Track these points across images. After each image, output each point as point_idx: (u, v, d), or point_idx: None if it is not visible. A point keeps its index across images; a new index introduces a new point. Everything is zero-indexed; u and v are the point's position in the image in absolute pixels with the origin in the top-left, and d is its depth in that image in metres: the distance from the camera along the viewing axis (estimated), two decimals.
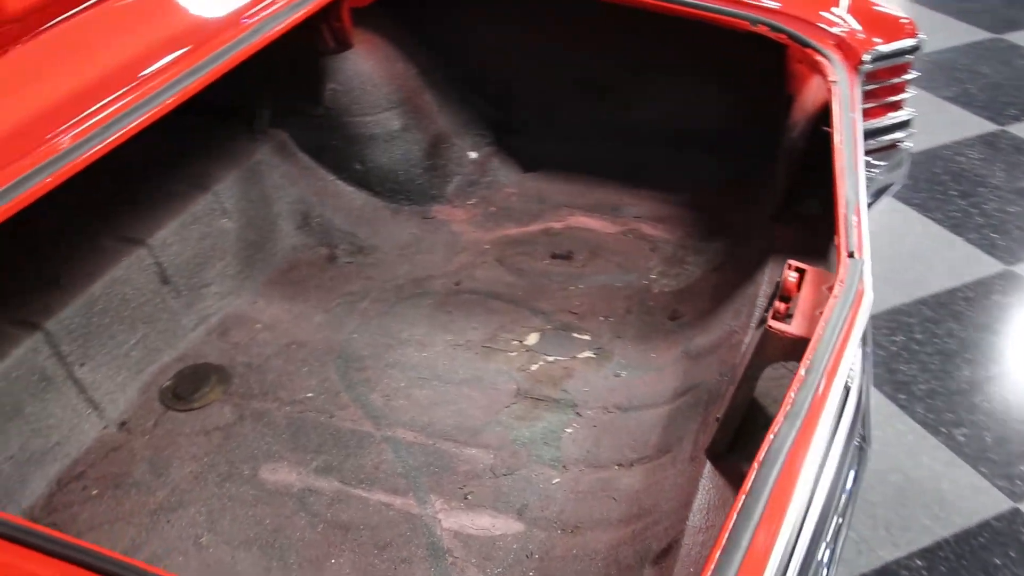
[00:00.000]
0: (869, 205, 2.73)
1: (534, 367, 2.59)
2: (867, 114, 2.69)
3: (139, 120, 2.13)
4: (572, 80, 3.19)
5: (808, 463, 1.56)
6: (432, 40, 3.28)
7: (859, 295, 1.86)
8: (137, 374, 2.60)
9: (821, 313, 1.82)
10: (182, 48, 2.35)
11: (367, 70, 3.10)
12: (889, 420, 3.13)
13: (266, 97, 3.13)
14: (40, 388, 2.38)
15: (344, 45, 3.01)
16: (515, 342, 2.68)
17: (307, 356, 2.66)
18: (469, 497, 2.25)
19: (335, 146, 3.16)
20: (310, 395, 2.54)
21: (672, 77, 3.05)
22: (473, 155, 3.33)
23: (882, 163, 2.76)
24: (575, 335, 2.69)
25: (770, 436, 1.54)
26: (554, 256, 2.97)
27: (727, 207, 3.03)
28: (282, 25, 2.56)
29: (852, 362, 1.87)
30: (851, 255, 1.90)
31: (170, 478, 2.33)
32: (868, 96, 2.67)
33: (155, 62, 2.29)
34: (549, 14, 3.01)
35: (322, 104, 3.11)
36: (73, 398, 2.44)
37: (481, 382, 2.54)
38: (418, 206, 3.23)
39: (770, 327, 1.86)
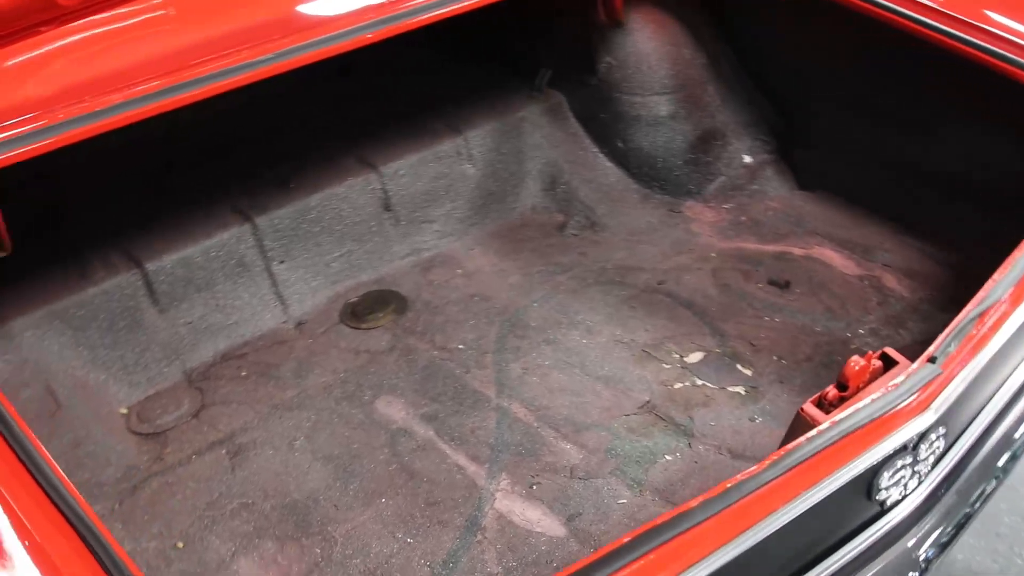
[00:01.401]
0: None
1: (677, 385, 2.48)
2: None
3: (377, 32, 2.32)
4: (870, 107, 2.90)
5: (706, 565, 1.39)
6: (731, 32, 3.14)
7: (917, 405, 1.58)
8: (331, 284, 2.82)
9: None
10: None
11: (647, 50, 3.05)
12: None
13: (549, 58, 3.19)
14: (235, 272, 2.68)
15: (614, 20, 2.98)
16: (676, 355, 2.57)
17: (482, 311, 2.73)
18: (534, 487, 2.23)
19: (603, 119, 3.16)
20: (460, 347, 2.62)
21: (968, 124, 2.67)
22: (747, 159, 3.17)
23: None
24: (738, 367, 2.52)
25: (657, 522, 1.39)
26: (771, 282, 2.78)
27: (981, 277, 2.62)
28: None
29: (894, 475, 1.61)
30: (932, 360, 1.62)
31: (305, 382, 2.54)
32: None
33: None
34: (860, 35, 2.74)
35: (597, 75, 3.11)
36: (264, 289, 2.72)
37: (619, 384, 2.48)
38: (670, 197, 3.14)
39: (801, 410, 1.66)
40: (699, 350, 2.58)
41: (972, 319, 1.71)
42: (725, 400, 2.43)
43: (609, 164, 3.18)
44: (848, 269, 2.82)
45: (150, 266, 2.55)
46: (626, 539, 1.36)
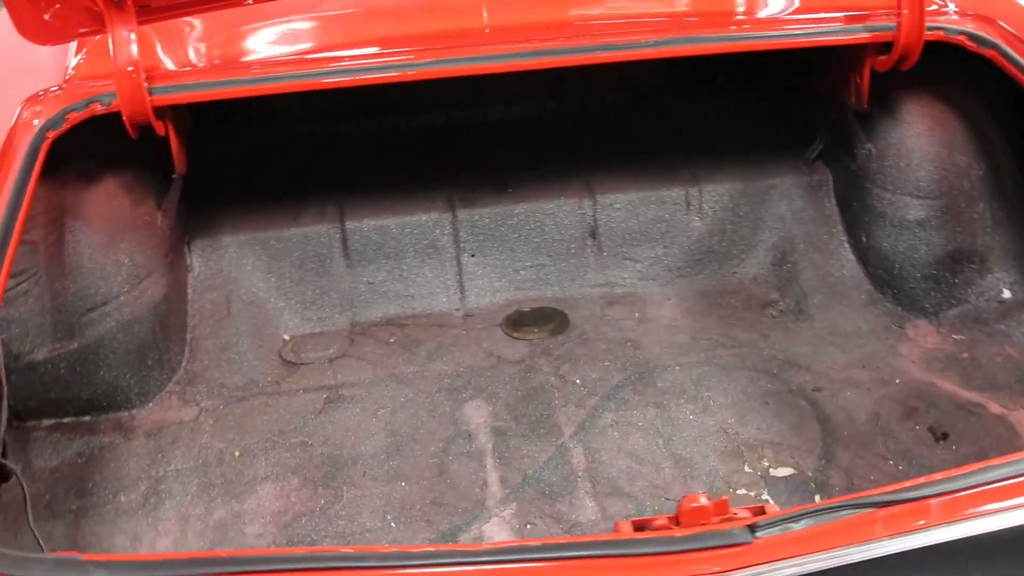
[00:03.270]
0: None
1: (740, 491, 2.32)
2: None
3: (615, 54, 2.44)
4: None
5: None
6: None
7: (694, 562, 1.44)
8: (514, 290, 2.98)
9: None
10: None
11: (912, 146, 2.77)
12: None
13: (824, 131, 3.03)
14: (425, 252, 2.95)
15: (859, 105, 2.74)
16: (766, 463, 2.40)
17: (623, 357, 2.73)
18: (528, 527, 2.26)
19: (855, 208, 2.94)
20: (577, 382, 2.66)
21: None
22: (1007, 294, 2.76)
23: None
24: (817, 497, 2.30)
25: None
26: (930, 429, 2.45)
27: None
28: (794, 41, 2.53)
29: None
30: (752, 527, 1.45)
31: (430, 364, 2.75)
32: None
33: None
34: None
35: (856, 160, 2.90)
36: (449, 274, 2.96)
37: (687, 468, 2.38)
38: (900, 308, 2.84)
39: (617, 523, 1.58)
40: (792, 467, 2.38)
41: (847, 508, 1.47)
42: None
43: (850, 257, 2.95)
44: None
45: (350, 224, 2.89)
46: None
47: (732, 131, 3.22)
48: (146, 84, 2.27)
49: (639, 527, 1.55)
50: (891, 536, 1.46)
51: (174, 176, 2.62)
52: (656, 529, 1.54)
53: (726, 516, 1.53)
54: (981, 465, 1.55)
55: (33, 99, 2.31)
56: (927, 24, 2.50)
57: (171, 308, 2.66)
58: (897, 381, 2.61)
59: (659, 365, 2.69)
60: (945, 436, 2.41)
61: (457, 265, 2.95)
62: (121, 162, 2.56)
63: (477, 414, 2.57)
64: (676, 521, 1.53)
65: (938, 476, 1.53)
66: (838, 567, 1.44)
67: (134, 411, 2.58)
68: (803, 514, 1.47)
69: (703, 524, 1.51)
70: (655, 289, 3.00)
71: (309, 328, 2.89)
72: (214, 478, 2.40)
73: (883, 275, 2.85)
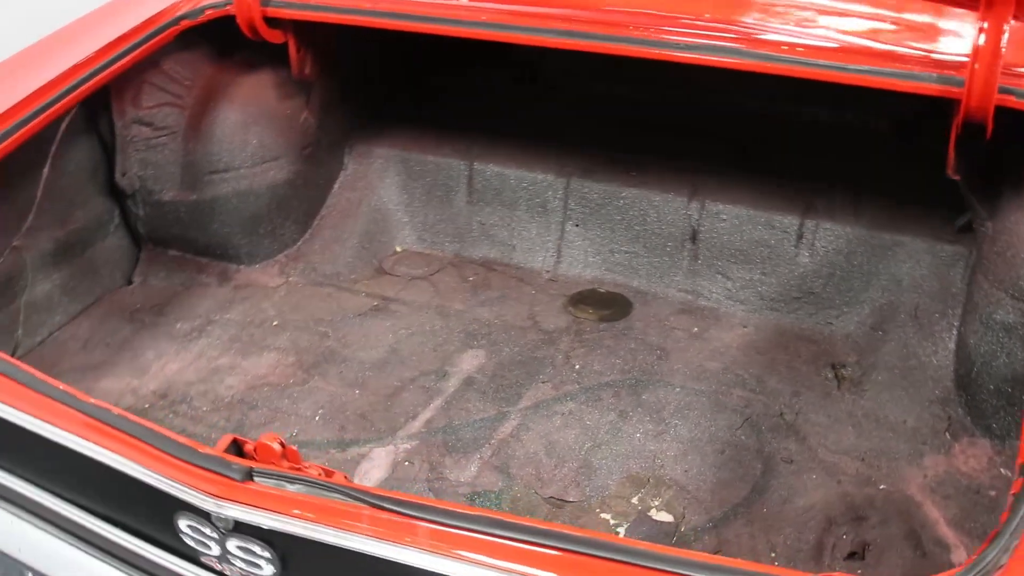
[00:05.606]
0: None
1: (604, 515, 2.27)
2: None
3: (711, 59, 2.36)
4: None
5: None
6: None
7: (201, 482, 1.60)
8: (604, 270, 3.01)
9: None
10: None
11: None
12: None
13: (973, 194, 2.62)
14: (535, 208, 3.08)
15: (949, 170, 2.33)
16: (656, 502, 2.29)
17: (640, 363, 2.65)
18: (406, 464, 2.41)
19: (967, 291, 2.55)
20: (577, 367, 2.66)
21: None
22: None
23: None
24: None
25: None
26: (853, 544, 2.17)
27: None
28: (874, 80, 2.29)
29: None
30: (250, 474, 1.58)
31: (475, 310, 2.90)
32: None
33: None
34: None
35: (977, 239, 2.50)
36: (551, 236, 3.07)
37: (585, 475, 2.34)
38: (969, 419, 2.41)
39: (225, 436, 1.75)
40: (674, 517, 2.25)
41: (342, 493, 1.51)
42: None
43: (950, 346, 2.56)
44: None
45: (477, 165, 3.11)
46: None
47: (887, 173, 2.86)
48: None
49: (235, 444, 1.68)
50: (367, 535, 1.48)
51: (297, 79, 3.00)
52: (243, 455, 1.67)
53: (294, 465, 1.62)
54: (505, 517, 1.47)
55: None
56: (1019, 88, 2.09)
57: (295, 193, 3.08)
58: (881, 487, 2.28)
59: (663, 382, 2.60)
60: (860, 555, 2.11)
61: (560, 230, 3.03)
62: (281, 61, 3.00)
63: (469, 362, 2.70)
64: (255, 450, 1.65)
65: (451, 506, 1.48)
66: (296, 537, 1.50)
67: (240, 267, 3.07)
68: (303, 480, 1.52)
69: (270, 462, 1.62)
70: (738, 313, 2.83)
71: (420, 248, 3.17)
72: (244, 335, 2.82)
73: (963, 374, 2.44)
